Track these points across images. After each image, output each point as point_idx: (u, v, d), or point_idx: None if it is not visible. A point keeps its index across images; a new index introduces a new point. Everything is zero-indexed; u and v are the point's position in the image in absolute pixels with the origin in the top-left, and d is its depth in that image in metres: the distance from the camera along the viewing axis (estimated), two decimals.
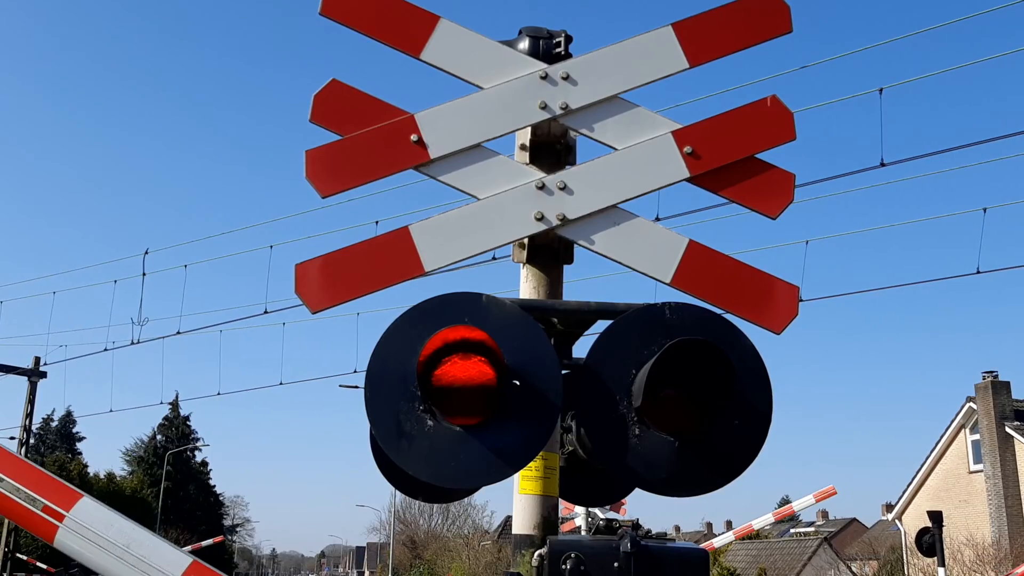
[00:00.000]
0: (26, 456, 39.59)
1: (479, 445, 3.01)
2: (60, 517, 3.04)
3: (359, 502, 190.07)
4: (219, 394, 45.79)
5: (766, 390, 3.17)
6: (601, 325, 3.33)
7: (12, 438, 40.19)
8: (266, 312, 18.93)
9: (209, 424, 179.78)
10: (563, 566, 2.98)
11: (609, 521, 3.55)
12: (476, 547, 52.64)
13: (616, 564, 2.98)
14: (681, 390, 3.13)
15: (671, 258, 3.54)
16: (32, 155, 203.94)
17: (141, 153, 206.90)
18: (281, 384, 42.87)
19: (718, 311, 3.41)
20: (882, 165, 13.59)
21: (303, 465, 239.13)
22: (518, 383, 3.06)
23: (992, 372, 33.45)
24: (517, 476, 3.59)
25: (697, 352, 3.00)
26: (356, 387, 35.27)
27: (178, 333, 22.14)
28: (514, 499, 3.69)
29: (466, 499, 74.92)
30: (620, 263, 3.56)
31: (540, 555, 3.23)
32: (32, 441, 43.62)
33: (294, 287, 3.35)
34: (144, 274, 20.64)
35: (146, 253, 20.79)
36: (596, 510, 16.07)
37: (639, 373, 3.10)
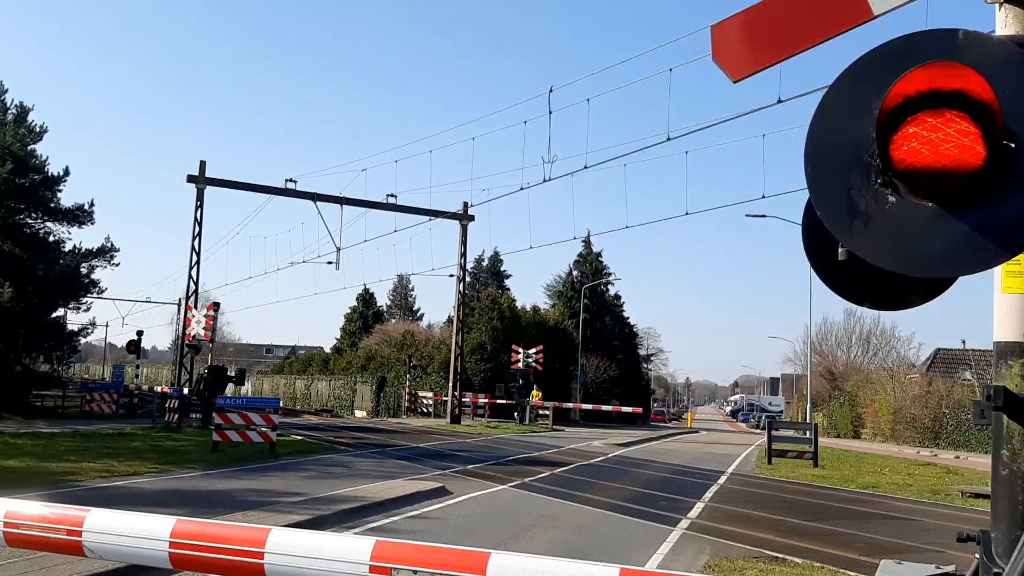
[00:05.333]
0: (463, 293, 44.41)
1: (958, 224, 2.35)
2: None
3: (772, 333, 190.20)
4: (627, 227, 47.29)
5: None
6: None
7: (451, 275, 45.36)
8: (668, 139, 18.58)
9: (619, 258, 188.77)
10: None
11: None
12: (902, 379, 49.91)
13: None
14: None
15: None
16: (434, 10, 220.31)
17: None
18: (687, 214, 43.15)
19: None
20: None
21: (713, 296, 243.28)
22: (1012, 145, 2.33)
23: None
24: (999, 270, 2.87)
25: None
26: (763, 216, 34.27)
27: (585, 168, 22.72)
28: (995, 299, 2.98)
29: (889, 327, 71.06)
30: None
31: None
32: (467, 279, 48.80)
33: (711, 53, 2.85)
34: (550, 112, 21.24)
35: (551, 91, 21.29)
36: None
37: None
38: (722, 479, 21.55)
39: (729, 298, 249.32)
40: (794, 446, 27.93)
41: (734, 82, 2.85)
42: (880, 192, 2.42)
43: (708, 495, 17.72)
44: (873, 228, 2.42)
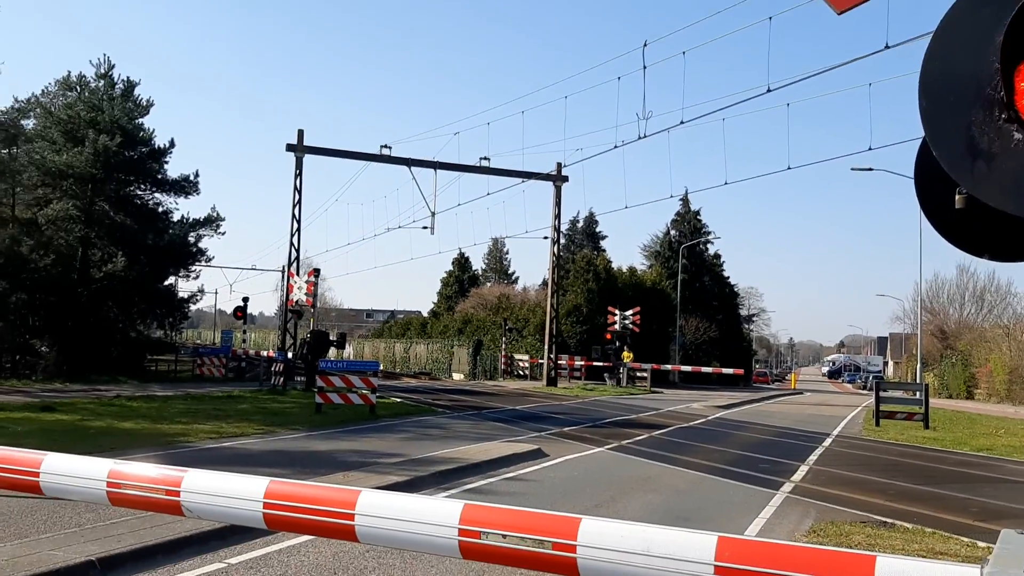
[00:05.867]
0: (558, 255, 44.24)
1: None
2: (573, 549, 3.07)
3: (879, 291, 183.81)
4: (726, 183, 46.25)
5: None
6: None
7: (545, 238, 45.21)
8: (769, 91, 17.93)
9: (719, 216, 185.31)
10: None
11: None
12: (1019, 337, 47.64)
13: None
14: None
15: None
16: None
17: None
18: (789, 169, 41.87)
19: None
20: None
21: (817, 254, 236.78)
22: None
23: None
24: None
25: None
26: (870, 169, 32.91)
27: (681, 123, 22.22)
28: None
29: (1005, 283, 67.85)
30: None
31: None
32: (562, 241, 48.60)
33: None
34: (644, 67, 20.77)
35: (645, 45, 20.81)
36: None
37: None
38: (827, 442, 21.00)
39: (834, 255, 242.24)
40: (903, 407, 27.03)
41: (838, 13, 2.62)
42: (1004, 129, 2.18)
43: (812, 458, 17.29)
44: (996, 169, 2.19)
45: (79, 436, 14.79)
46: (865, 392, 61.22)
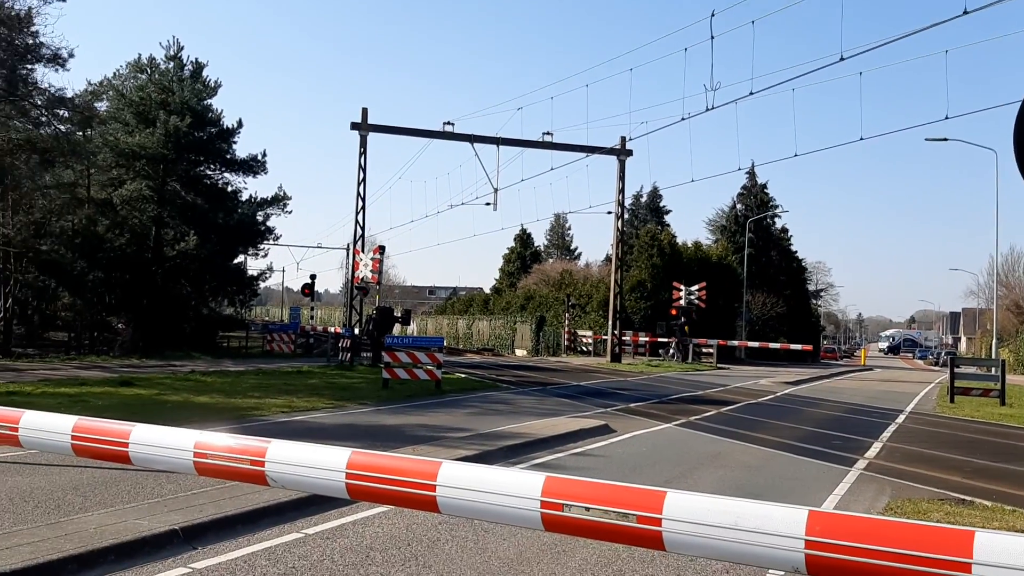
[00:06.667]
0: (622, 230, 43.94)
1: None
2: (658, 523, 3.03)
3: (952, 265, 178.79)
4: (795, 155, 45.32)
5: None
6: None
7: (609, 212, 44.91)
8: (842, 59, 17.44)
9: (787, 189, 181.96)
10: None
11: None
12: None
13: None
14: None
15: None
16: None
17: None
18: (861, 139, 40.84)
19: None
20: None
21: (888, 227, 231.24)
22: None
23: None
24: None
25: None
26: (945, 139, 31.89)
27: (750, 94, 21.76)
28: None
29: None
30: None
31: None
32: (626, 216, 48.24)
33: None
34: (712, 37, 20.38)
35: (712, 15, 20.40)
36: None
37: None
38: (900, 418, 20.55)
39: (906, 229, 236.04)
40: (979, 383, 26.35)
41: None
42: None
43: (886, 435, 16.93)
44: None
45: (157, 410, 15.22)
46: (937, 368, 59.74)
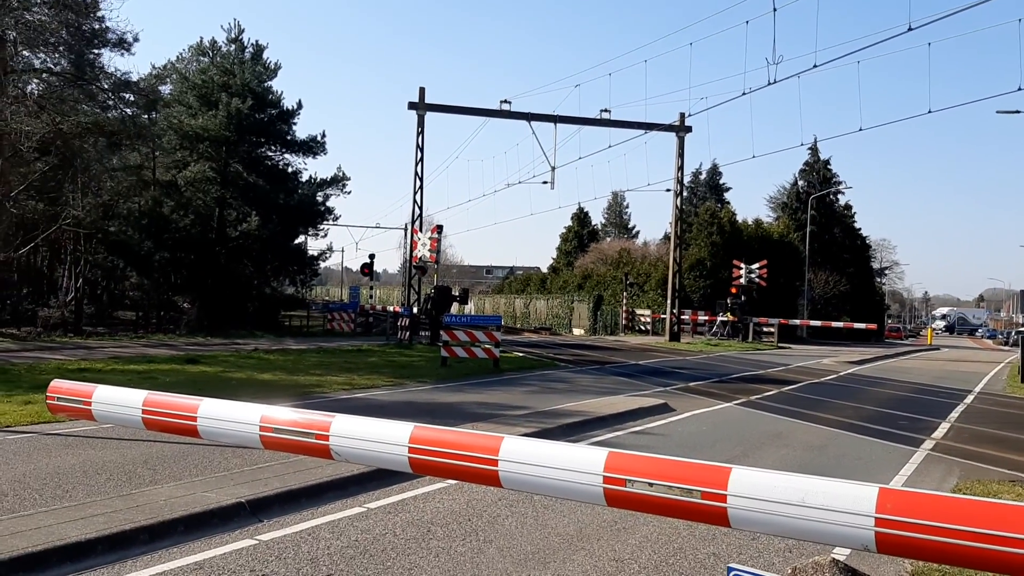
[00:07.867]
0: (681, 207, 43.45)
1: None
2: (723, 499, 3.02)
3: (1023, 242, 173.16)
4: (860, 130, 44.24)
5: None
6: None
7: (668, 190, 44.46)
8: (910, 29, 16.92)
9: (850, 165, 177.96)
10: None
11: None
12: None
13: None
14: None
15: None
16: None
17: None
18: (929, 112, 39.67)
19: None
20: None
21: (957, 204, 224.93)
22: None
23: None
24: None
25: None
26: (1017, 112, 30.79)
27: (814, 67, 21.26)
28: None
29: None
30: None
31: None
32: (685, 193, 47.68)
33: None
34: (775, 9, 19.94)
35: None
36: None
37: None
38: (968, 399, 20.05)
39: (975, 205, 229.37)
40: None
41: None
42: None
43: (954, 415, 16.54)
44: None
45: (222, 386, 15.55)
46: (1007, 348, 58.11)
